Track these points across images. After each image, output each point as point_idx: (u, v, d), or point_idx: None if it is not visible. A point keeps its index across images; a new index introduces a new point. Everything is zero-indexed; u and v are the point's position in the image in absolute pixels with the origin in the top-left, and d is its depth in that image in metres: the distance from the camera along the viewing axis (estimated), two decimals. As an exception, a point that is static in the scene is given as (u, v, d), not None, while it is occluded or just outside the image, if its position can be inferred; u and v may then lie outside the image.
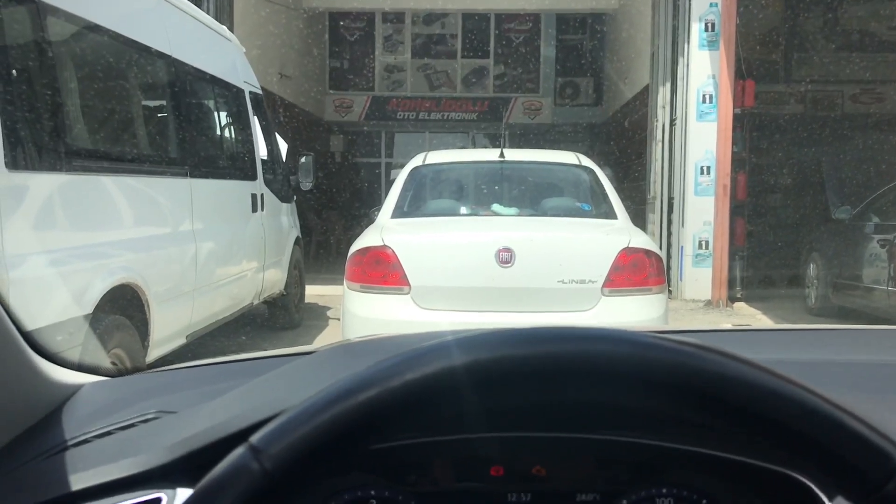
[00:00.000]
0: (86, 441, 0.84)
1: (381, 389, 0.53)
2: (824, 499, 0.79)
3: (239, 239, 6.02)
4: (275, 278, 6.80)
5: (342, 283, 4.47)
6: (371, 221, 5.04)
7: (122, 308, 4.04)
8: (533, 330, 0.55)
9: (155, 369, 1.14)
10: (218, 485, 0.52)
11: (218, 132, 6.22)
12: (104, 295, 3.86)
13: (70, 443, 0.84)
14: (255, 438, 0.53)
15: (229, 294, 5.75)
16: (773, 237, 10.52)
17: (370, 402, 0.53)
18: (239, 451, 0.53)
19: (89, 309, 3.75)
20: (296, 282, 7.36)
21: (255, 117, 6.74)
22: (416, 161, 5.49)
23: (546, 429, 0.86)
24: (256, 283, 6.32)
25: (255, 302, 6.44)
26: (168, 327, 4.54)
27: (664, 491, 0.91)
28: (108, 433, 0.86)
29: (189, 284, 4.90)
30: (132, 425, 0.87)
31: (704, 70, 9.07)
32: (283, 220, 7.19)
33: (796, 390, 0.52)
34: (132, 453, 0.75)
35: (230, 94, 6.32)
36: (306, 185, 7.20)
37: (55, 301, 3.55)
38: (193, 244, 4.97)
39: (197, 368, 1.13)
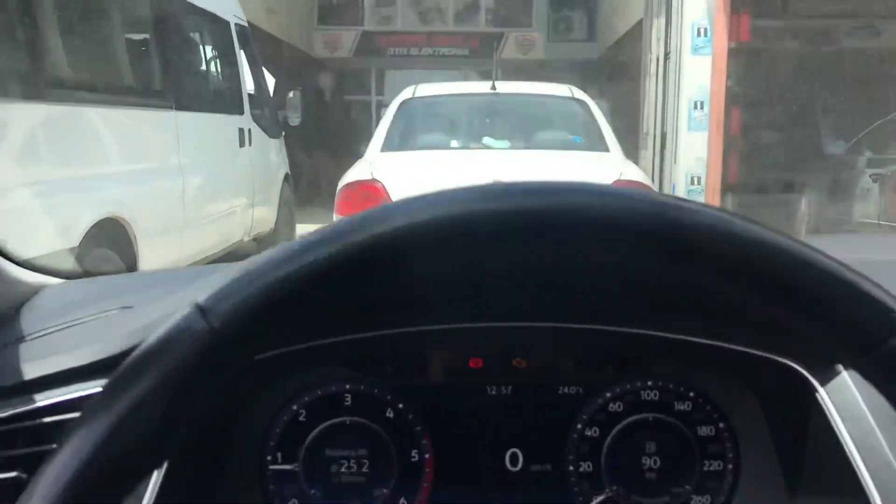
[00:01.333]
0: (44, 335, 0.82)
1: (343, 244, 0.49)
2: (816, 385, 0.77)
3: (227, 174, 5.95)
4: (264, 215, 6.74)
5: (332, 220, 4.42)
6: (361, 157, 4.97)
7: (110, 242, 4.00)
8: (509, 185, 0.51)
9: (121, 273, 1.11)
10: (162, 343, 0.49)
11: (204, 65, 6.10)
12: (90, 228, 3.83)
13: (28, 337, 0.82)
14: (201, 298, 0.50)
15: (218, 230, 5.70)
16: (766, 173, 10.46)
17: (330, 257, 0.49)
18: (185, 311, 0.49)
19: (75, 242, 3.72)
20: (286, 219, 7.30)
21: (242, 51, 6.60)
22: (406, 94, 5.40)
23: (525, 319, 0.83)
24: (246, 220, 6.27)
25: (245, 239, 6.40)
26: (156, 262, 4.50)
27: (650, 384, 0.88)
28: (68, 328, 0.83)
29: (177, 220, 4.85)
30: (92, 320, 0.84)
31: (699, 3, 8.89)
32: (272, 156, 7.10)
33: (789, 241, 0.49)
34: (89, 345, 0.73)
35: (216, 26, 6.18)
36: (294, 120, 7.10)
37: (40, 234, 3.51)
38: (181, 179, 4.91)
39: (166, 272, 1.10)
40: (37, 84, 3.56)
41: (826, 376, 0.77)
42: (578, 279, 0.70)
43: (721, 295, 0.66)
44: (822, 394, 0.76)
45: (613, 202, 0.49)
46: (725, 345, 0.81)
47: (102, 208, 3.95)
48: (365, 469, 0.87)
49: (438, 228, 0.49)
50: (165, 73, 4.96)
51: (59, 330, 0.83)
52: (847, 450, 0.73)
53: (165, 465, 0.73)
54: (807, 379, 0.78)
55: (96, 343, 0.72)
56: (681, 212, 0.48)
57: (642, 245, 0.49)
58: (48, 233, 3.55)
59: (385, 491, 0.87)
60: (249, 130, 6.43)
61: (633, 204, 0.49)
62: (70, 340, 0.79)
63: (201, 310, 0.49)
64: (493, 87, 5.26)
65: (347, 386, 0.88)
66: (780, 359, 0.79)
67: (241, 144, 6.25)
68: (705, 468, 0.88)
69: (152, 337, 0.49)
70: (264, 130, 6.85)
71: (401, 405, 0.88)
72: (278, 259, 0.50)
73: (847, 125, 9.45)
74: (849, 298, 0.47)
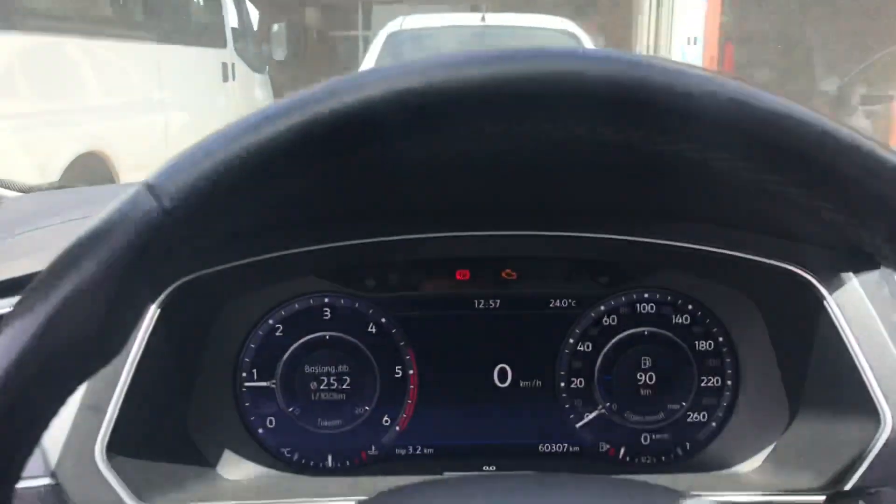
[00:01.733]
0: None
1: (307, 114, 0.43)
2: (825, 293, 0.72)
3: (210, 109, 5.82)
4: (250, 152, 6.62)
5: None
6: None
7: (91, 177, 3.92)
8: (501, 52, 0.45)
9: (87, 187, 1.05)
10: (105, 226, 0.43)
11: (185, -5, 5.93)
12: (71, 162, 3.76)
13: None
14: (150, 176, 0.44)
15: (203, 166, 5.60)
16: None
17: (292, 129, 0.43)
18: (133, 190, 0.44)
19: (55, 177, 3.65)
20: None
21: (224, -19, 6.42)
22: (394, 25, 5.28)
23: (515, 227, 0.78)
24: (231, 157, 6.16)
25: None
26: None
27: (646, 296, 0.84)
28: (22, 236, 0.78)
29: (160, 155, 4.75)
30: (50, 230, 0.79)
31: (695, -66, 8.69)
32: (257, 92, 6.96)
33: (814, 114, 0.43)
34: (37, 253, 0.68)
35: (197, -44, 5.99)
36: (279, 54, 6.94)
37: (18, 168, 3.43)
38: (163, 114, 4.81)
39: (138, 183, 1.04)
40: (13, 14, 3.44)
41: (835, 284, 0.73)
42: (568, 170, 0.65)
43: (730, 185, 0.61)
44: (831, 302, 0.72)
45: (608, 67, 0.43)
46: (730, 252, 0.76)
47: (83, 142, 3.88)
48: (346, 386, 0.83)
49: (416, 97, 0.43)
50: (146, 4, 4.82)
51: (12, 238, 0.77)
52: (856, 360, 0.69)
53: (129, 381, 0.68)
54: (814, 288, 0.73)
55: (46, 251, 0.67)
56: (684, 77, 0.42)
57: (639, 117, 0.43)
58: (27, 167, 3.47)
59: (367, 408, 0.83)
60: (233, 65, 6.29)
61: (630, 70, 0.43)
62: (24, 248, 0.74)
63: (150, 188, 0.44)
64: (483, 19, 5.14)
65: (326, 299, 0.83)
66: (787, 266, 0.74)
67: (225, 79, 6.11)
68: (703, 384, 0.84)
69: (94, 220, 0.43)
70: (248, 65, 6.69)
71: (383, 319, 0.83)
72: (236, 131, 0.44)
73: (841, 61, 9.34)
74: (875, 173, 0.42)
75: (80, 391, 0.65)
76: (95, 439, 0.65)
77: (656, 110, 0.43)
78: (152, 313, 0.71)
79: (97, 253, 0.42)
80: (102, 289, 0.42)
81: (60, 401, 0.42)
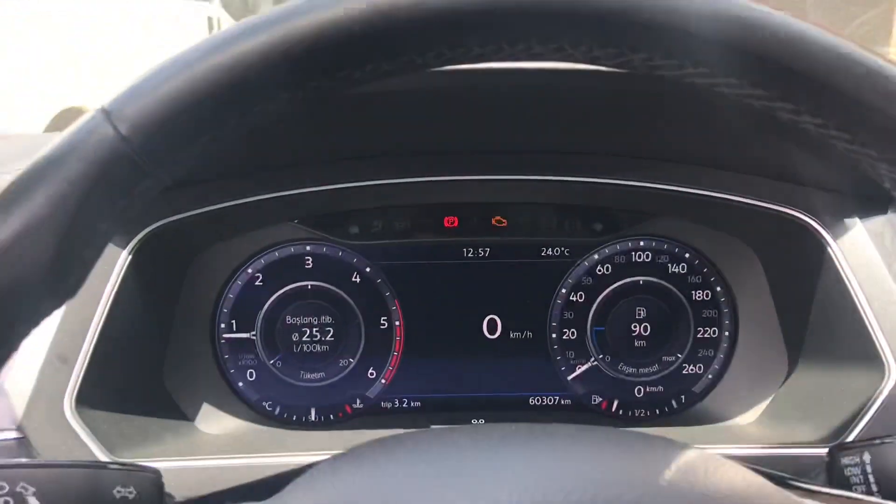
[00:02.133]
0: None
1: (277, 32, 0.39)
2: (829, 239, 0.69)
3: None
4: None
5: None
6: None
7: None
8: None
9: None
10: (57, 154, 0.39)
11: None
12: (54, 117, 3.71)
13: None
14: (107, 101, 0.40)
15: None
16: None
17: (262, 48, 0.40)
18: (89, 115, 0.40)
19: (40, 130, 3.61)
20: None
21: (209, -67, 6.28)
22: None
23: (504, 171, 0.75)
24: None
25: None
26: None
27: (642, 244, 0.81)
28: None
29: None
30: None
31: None
32: (245, 47, 6.86)
33: (825, 33, 0.39)
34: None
35: None
36: (267, 9, 6.82)
37: (2, 121, 3.39)
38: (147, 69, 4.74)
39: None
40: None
41: (838, 229, 0.70)
42: (561, 108, 0.61)
43: (736, 119, 0.57)
44: (834, 248, 0.69)
45: None
46: (728, 196, 0.72)
47: (65, 96, 3.82)
48: (329, 337, 0.80)
49: (401, 12, 0.39)
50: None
51: None
52: (860, 308, 0.66)
53: (100, 330, 0.65)
54: (817, 234, 0.70)
55: None
56: None
57: (638, 37, 0.39)
58: (9, 121, 3.43)
59: (351, 360, 0.80)
60: (219, 19, 6.17)
61: None
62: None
63: (106, 113, 0.40)
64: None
65: (308, 247, 0.79)
66: (789, 210, 0.71)
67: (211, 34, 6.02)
68: (699, 335, 0.81)
69: (47, 147, 0.39)
70: (235, 19, 6.58)
71: (368, 268, 0.80)
72: (202, 51, 0.40)
73: (831, 20, 9.25)
74: (867, 77, 0.38)
75: (47, 339, 0.62)
76: (64, 391, 0.62)
77: (659, 30, 0.39)
78: (124, 259, 0.67)
79: (48, 183, 0.38)
80: (54, 221, 0.38)
81: (12, 345, 0.38)
